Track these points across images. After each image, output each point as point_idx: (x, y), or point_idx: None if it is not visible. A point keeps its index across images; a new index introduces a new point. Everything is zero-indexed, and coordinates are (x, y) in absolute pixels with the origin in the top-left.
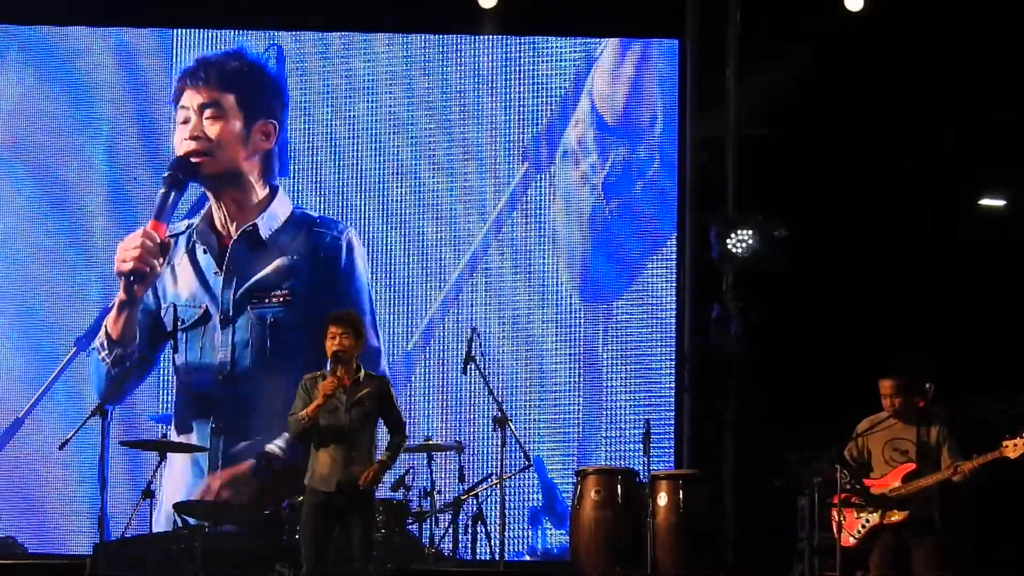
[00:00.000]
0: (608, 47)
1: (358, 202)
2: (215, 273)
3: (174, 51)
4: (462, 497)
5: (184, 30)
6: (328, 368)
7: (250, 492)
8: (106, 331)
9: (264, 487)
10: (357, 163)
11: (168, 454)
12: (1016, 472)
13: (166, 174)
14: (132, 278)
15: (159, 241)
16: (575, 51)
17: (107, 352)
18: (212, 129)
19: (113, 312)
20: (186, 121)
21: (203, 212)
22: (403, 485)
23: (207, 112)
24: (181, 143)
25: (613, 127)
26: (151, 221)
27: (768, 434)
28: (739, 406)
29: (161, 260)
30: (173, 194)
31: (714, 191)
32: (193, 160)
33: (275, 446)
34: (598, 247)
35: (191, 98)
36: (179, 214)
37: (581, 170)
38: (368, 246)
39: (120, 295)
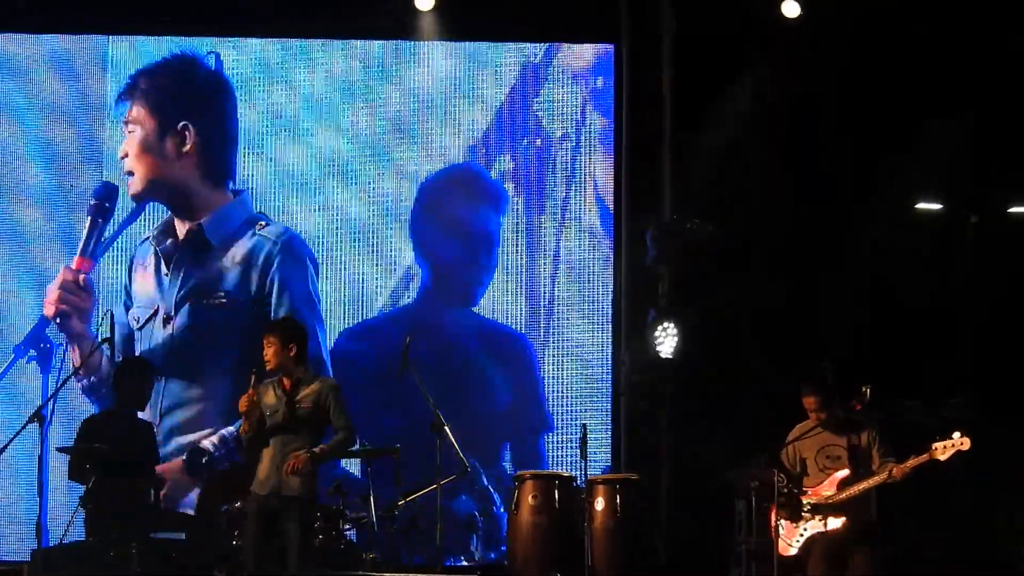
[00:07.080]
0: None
1: (303, 206)
2: (165, 274)
3: (110, 59)
4: (399, 502)
5: (119, 37)
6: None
7: (185, 487)
8: (74, 366)
9: (207, 489)
10: (303, 167)
11: None
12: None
13: (92, 202)
14: (59, 320)
15: (76, 281)
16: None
17: (81, 386)
18: (131, 144)
19: (71, 350)
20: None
21: (165, 216)
22: (339, 491)
23: (128, 128)
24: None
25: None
26: (76, 258)
27: (705, 437)
28: (675, 409)
29: (85, 296)
30: (100, 223)
31: (651, 194)
32: (127, 176)
33: (208, 443)
34: (535, 249)
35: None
36: (120, 220)
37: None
38: (313, 249)
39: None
